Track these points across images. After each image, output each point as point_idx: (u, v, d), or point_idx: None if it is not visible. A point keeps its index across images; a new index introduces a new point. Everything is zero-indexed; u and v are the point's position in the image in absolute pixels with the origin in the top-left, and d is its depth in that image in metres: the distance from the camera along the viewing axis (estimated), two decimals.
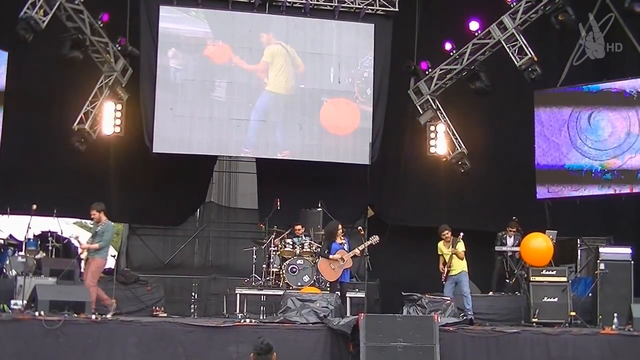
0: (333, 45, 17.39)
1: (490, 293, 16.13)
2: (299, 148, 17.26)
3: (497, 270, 16.45)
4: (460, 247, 14.68)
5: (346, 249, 14.52)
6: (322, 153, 17.29)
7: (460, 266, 14.68)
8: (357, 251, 14.45)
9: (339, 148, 17.35)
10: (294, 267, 15.29)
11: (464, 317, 14.05)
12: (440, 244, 14.84)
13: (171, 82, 16.77)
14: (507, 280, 16.21)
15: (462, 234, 14.73)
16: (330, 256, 14.27)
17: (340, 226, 14.73)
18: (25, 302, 12.99)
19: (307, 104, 17.28)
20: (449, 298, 14.13)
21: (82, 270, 13.99)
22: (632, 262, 15.00)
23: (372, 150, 16.89)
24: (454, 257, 14.65)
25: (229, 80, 17.03)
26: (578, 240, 18.43)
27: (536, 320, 14.45)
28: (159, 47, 16.62)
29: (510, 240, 16.33)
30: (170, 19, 16.73)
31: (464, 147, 16.92)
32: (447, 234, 14.75)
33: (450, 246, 14.67)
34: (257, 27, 17.16)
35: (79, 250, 13.84)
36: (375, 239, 14.44)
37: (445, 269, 14.65)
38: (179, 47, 16.81)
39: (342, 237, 14.78)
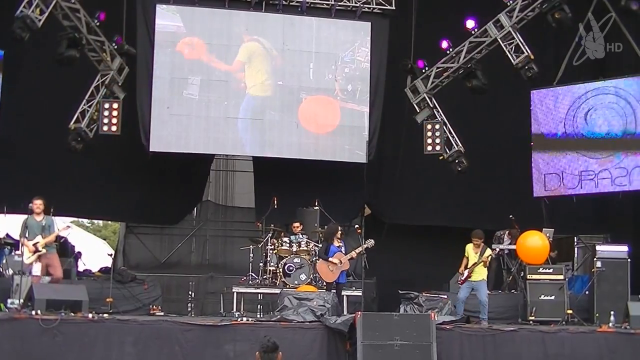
0: (331, 44, 17.37)
1: (493, 292, 16.10)
2: (295, 146, 17.21)
3: (493, 268, 16.40)
4: (487, 253, 14.31)
5: (343, 252, 14.62)
6: (319, 151, 17.25)
7: (481, 274, 14.29)
8: (353, 254, 14.52)
9: (335, 145, 17.32)
10: (291, 266, 15.31)
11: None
12: (469, 247, 14.38)
13: (167, 81, 16.72)
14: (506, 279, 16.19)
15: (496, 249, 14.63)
16: (330, 259, 14.35)
17: (339, 229, 14.89)
18: (22, 301, 12.92)
19: (302, 102, 17.25)
20: (445, 296, 14.18)
21: (35, 273, 13.46)
22: (629, 260, 15.04)
23: (368, 149, 16.97)
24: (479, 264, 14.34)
25: (218, 79, 16.98)
26: (575, 238, 18.44)
27: (533, 318, 14.45)
28: (155, 45, 16.59)
29: (506, 242, 16.35)
30: (164, 17, 16.73)
31: (460, 145, 16.88)
32: (478, 241, 14.31)
33: (479, 252, 14.28)
34: (253, 27, 17.13)
35: (39, 248, 13.46)
36: (370, 242, 14.45)
37: (466, 273, 14.26)
38: (173, 46, 16.79)
39: (339, 240, 14.88)
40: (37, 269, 13.46)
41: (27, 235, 13.60)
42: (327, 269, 14.40)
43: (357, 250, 14.50)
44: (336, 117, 17.34)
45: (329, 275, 14.43)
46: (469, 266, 14.30)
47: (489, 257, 14.29)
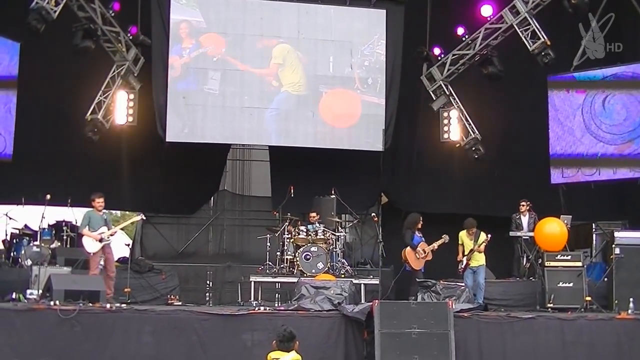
0: (345, 32, 17.30)
1: (511, 279, 16.12)
2: (311, 135, 17.17)
3: (516, 256, 16.37)
4: (481, 239, 14.68)
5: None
6: (335, 140, 17.21)
7: (480, 259, 14.77)
8: (435, 246, 14.71)
9: (352, 135, 17.27)
10: (308, 254, 15.29)
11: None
12: (463, 234, 14.87)
13: (183, 71, 16.70)
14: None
15: (489, 235, 14.77)
16: (417, 248, 14.64)
17: (420, 218, 14.99)
18: (40, 291, 13.06)
19: (319, 93, 17.21)
20: (463, 284, 14.14)
21: (100, 263, 13.93)
22: None
23: (385, 137, 16.94)
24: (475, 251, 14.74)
25: (234, 69, 16.96)
26: (593, 224, 18.31)
27: (551, 305, 14.32)
28: (171, 36, 16.58)
29: (524, 220, 16.15)
30: (180, 10, 16.72)
31: (477, 132, 16.82)
32: (473, 230, 14.80)
33: (473, 239, 14.70)
34: (268, 17, 17.10)
35: (105, 237, 13.79)
36: (445, 238, 14.71)
37: (465, 260, 14.71)
38: (190, 37, 16.78)
39: (419, 230, 15.01)
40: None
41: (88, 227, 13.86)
42: (415, 257, 14.62)
43: (438, 243, 14.70)
44: (357, 109, 17.26)
45: (416, 263, 14.64)
46: (465, 253, 14.69)
47: (485, 243, 14.64)
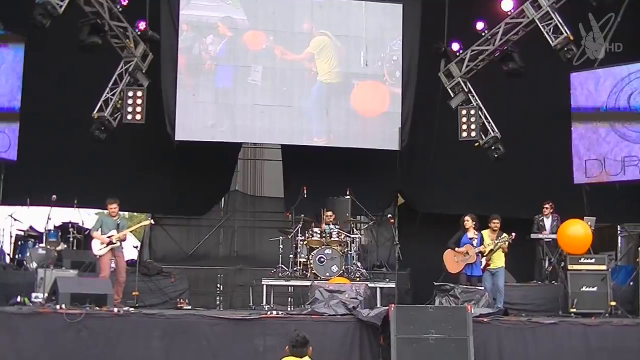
0: (361, 27, 17.11)
1: (532, 283, 15.85)
2: (325, 134, 17.00)
3: (537, 259, 16.09)
4: (503, 237, 14.32)
5: (475, 244, 14.35)
6: (350, 139, 17.01)
7: (500, 261, 14.38)
8: (482, 248, 14.31)
9: (367, 133, 17.07)
10: (322, 257, 15.09)
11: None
12: (486, 233, 14.45)
13: (193, 68, 16.54)
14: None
15: (513, 233, 14.36)
16: (457, 249, 14.26)
17: (469, 218, 14.54)
18: (46, 295, 12.93)
19: (335, 88, 17.03)
20: (482, 288, 13.89)
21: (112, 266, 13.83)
22: None
23: (401, 135, 16.78)
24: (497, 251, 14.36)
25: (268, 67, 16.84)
26: (618, 226, 18.05)
27: (574, 310, 14.06)
28: (180, 31, 16.45)
29: (547, 222, 15.90)
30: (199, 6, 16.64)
31: (497, 131, 16.48)
32: (497, 223, 14.40)
33: (496, 238, 14.32)
34: (280, 10, 16.97)
35: (114, 240, 13.67)
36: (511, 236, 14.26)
37: (484, 261, 14.31)
38: (205, 32, 16.66)
39: (475, 232, 14.55)
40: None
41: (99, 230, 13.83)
42: (452, 259, 14.28)
43: (486, 244, 14.29)
44: (385, 103, 17.05)
45: (453, 266, 14.26)
46: (485, 253, 14.30)
47: (509, 241, 14.23)
